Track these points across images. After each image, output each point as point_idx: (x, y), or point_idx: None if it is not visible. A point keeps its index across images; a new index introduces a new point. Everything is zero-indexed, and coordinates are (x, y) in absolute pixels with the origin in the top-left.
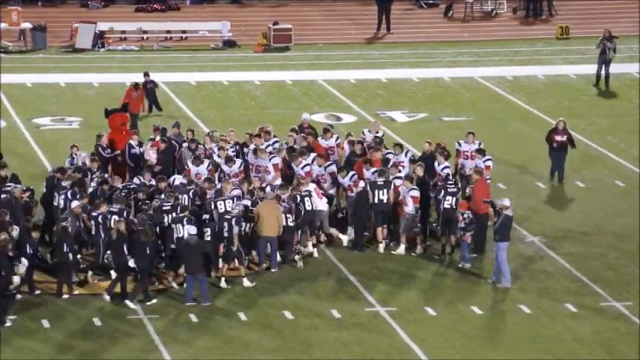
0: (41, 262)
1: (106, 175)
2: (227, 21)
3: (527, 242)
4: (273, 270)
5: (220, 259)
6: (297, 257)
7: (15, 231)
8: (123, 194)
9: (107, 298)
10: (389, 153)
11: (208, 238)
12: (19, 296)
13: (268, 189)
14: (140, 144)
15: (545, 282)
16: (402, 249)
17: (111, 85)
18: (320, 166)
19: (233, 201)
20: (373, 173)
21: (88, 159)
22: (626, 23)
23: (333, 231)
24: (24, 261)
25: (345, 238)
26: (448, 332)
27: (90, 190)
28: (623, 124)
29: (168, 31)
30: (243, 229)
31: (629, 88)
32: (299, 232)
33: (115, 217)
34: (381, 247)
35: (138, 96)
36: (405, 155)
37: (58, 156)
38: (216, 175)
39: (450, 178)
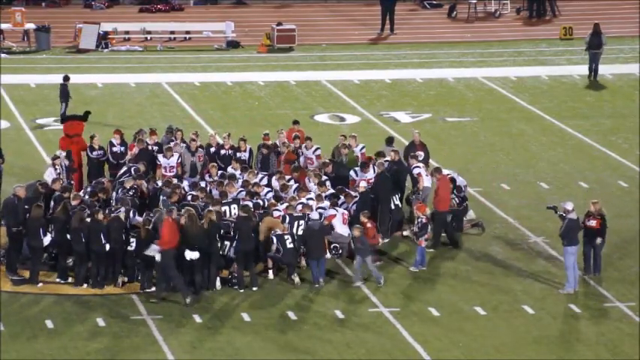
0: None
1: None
2: (231, 22)
3: (531, 242)
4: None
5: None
6: (294, 275)
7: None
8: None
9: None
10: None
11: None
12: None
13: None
14: (123, 143)
15: (549, 282)
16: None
17: (115, 86)
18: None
19: (238, 203)
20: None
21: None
22: (630, 24)
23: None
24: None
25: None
26: (451, 333)
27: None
28: (627, 125)
29: (172, 32)
30: None
31: (633, 89)
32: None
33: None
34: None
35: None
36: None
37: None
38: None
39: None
